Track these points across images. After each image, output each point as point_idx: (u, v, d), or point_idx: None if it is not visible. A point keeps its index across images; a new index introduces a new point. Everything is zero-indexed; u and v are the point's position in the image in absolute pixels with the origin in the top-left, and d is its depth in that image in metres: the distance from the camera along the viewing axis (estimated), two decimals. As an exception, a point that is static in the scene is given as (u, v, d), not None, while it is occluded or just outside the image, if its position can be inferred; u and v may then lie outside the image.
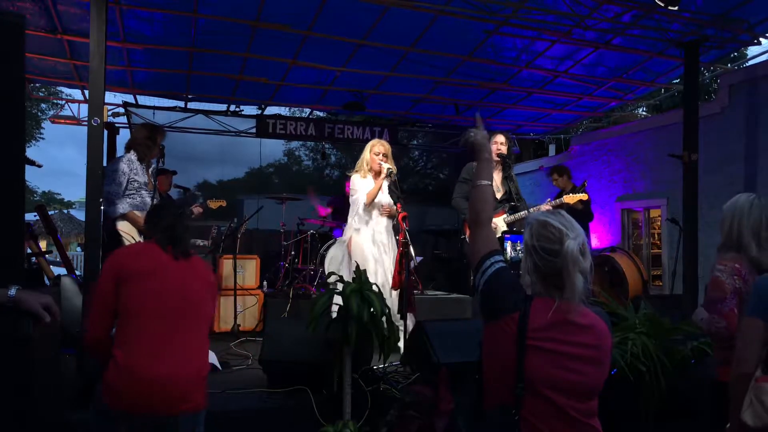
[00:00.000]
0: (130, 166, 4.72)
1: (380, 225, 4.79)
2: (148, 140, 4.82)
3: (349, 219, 4.89)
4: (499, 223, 4.94)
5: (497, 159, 5.04)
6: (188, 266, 2.46)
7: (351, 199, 4.87)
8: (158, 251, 2.43)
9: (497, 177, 5.14)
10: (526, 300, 1.74)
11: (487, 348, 1.78)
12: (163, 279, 2.38)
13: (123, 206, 4.59)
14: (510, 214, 4.97)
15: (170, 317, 2.37)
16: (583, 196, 5.22)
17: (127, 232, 4.54)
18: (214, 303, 2.61)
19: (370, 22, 6.39)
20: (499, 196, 5.12)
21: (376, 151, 4.75)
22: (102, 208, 4.49)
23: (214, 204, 5.71)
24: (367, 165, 4.79)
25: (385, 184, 4.68)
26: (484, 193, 1.94)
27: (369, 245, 4.72)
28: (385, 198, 4.77)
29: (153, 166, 4.98)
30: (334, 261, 4.81)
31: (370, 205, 4.74)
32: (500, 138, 5.12)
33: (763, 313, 1.95)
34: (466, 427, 1.95)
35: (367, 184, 4.76)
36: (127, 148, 4.87)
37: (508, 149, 5.16)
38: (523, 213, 4.90)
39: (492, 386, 1.75)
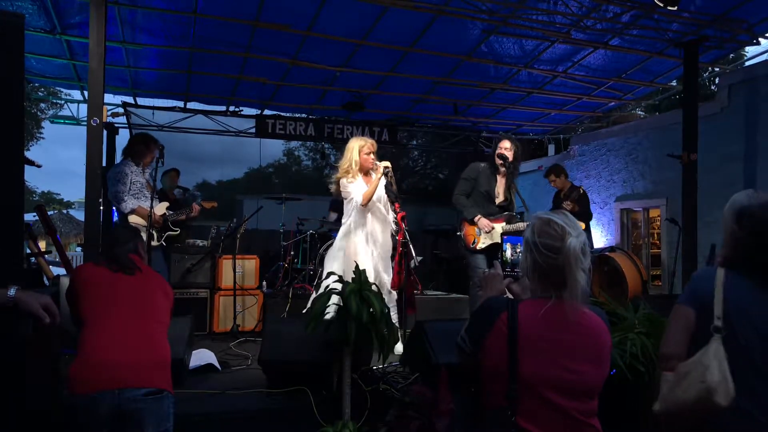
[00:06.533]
0: (130, 168, 5.03)
1: (376, 226, 4.70)
2: (142, 146, 5.13)
3: (344, 220, 4.80)
4: (497, 229, 4.91)
5: (500, 163, 5.00)
6: (139, 276, 2.71)
7: (345, 203, 4.76)
8: (107, 270, 2.67)
9: (500, 182, 5.09)
10: (512, 302, 1.75)
11: (483, 351, 1.77)
12: (114, 286, 2.60)
13: (132, 203, 4.95)
14: (507, 224, 4.88)
15: (125, 315, 2.53)
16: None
17: (139, 223, 4.84)
18: (169, 303, 2.78)
19: (370, 22, 6.40)
20: (498, 201, 5.08)
21: (367, 152, 4.58)
22: (102, 208, 4.68)
23: (207, 204, 5.74)
24: (356, 165, 4.60)
25: (382, 182, 4.55)
26: None
27: (363, 247, 4.63)
28: (380, 196, 4.66)
29: (149, 170, 5.19)
30: (329, 264, 4.74)
31: (366, 205, 4.62)
32: (506, 143, 5.01)
33: (690, 301, 2.02)
34: (464, 428, 1.95)
35: (359, 184, 4.62)
36: (124, 155, 5.21)
37: (515, 155, 5.01)
38: (521, 225, 4.78)
39: (489, 388, 1.75)
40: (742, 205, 2.03)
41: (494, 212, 5.01)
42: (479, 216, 4.93)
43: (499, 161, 4.97)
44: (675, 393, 1.91)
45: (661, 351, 2.06)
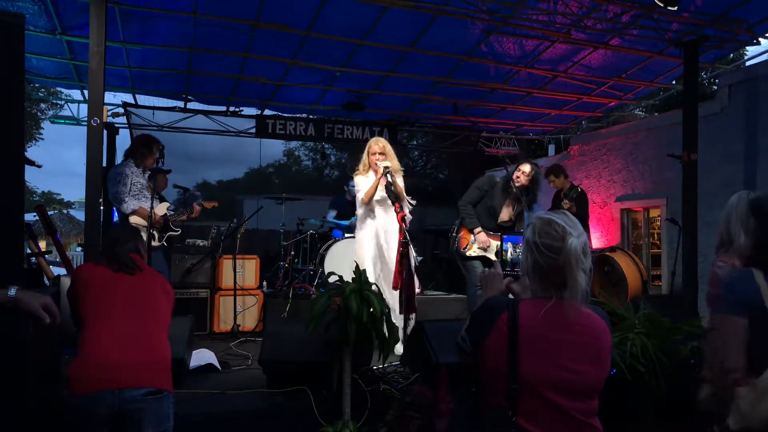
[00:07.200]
0: (131, 169, 5.04)
1: (382, 224, 4.76)
2: (144, 148, 5.14)
3: (357, 219, 4.94)
4: (492, 247, 4.91)
5: (514, 189, 4.99)
6: (140, 276, 2.70)
7: (356, 199, 4.90)
8: (108, 270, 2.67)
9: (508, 203, 5.09)
10: (512, 302, 1.75)
11: (483, 351, 1.78)
12: (115, 286, 2.60)
13: (133, 204, 4.95)
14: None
15: (125, 315, 2.53)
16: None
17: (140, 224, 4.81)
18: (170, 303, 2.78)
19: (370, 22, 6.39)
20: (499, 220, 5.09)
21: (373, 152, 4.71)
22: (102, 208, 4.68)
23: (208, 204, 5.74)
24: (365, 166, 4.79)
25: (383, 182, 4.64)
26: None
27: (369, 244, 4.71)
28: (384, 196, 4.73)
29: (149, 171, 5.18)
30: (335, 259, 4.82)
31: (368, 203, 4.73)
32: (525, 168, 5.03)
33: (740, 309, 1.95)
34: (464, 428, 1.95)
35: (368, 181, 4.76)
36: (126, 156, 5.22)
37: (533, 181, 5.01)
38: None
39: (489, 388, 1.75)
40: (752, 202, 2.02)
41: (491, 228, 5.03)
42: (480, 229, 4.96)
43: (511, 180, 5.02)
44: (760, 409, 1.83)
45: (724, 366, 1.98)
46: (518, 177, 5.02)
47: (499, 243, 4.82)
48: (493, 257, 4.90)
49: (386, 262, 4.67)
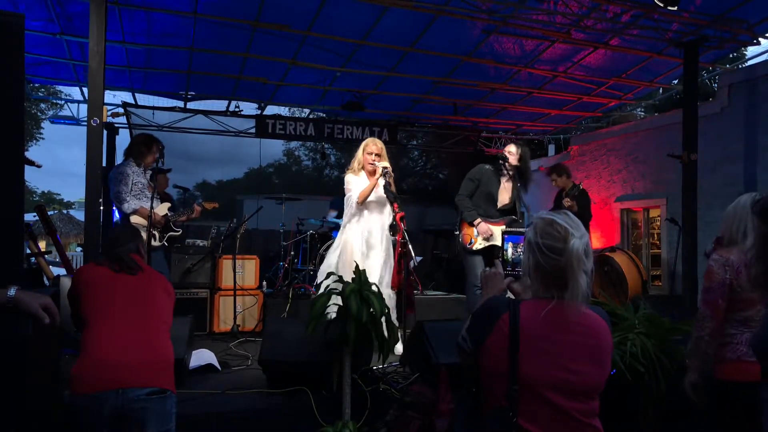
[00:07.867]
0: (132, 169, 5.00)
1: (373, 224, 4.72)
2: (144, 146, 5.10)
3: (344, 218, 4.87)
4: (496, 233, 4.90)
5: (501, 163, 5.00)
6: (141, 276, 2.70)
7: (345, 198, 4.83)
8: (109, 270, 2.67)
9: (504, 186, 5.09)
10: (513, 303, 1.75)
11: (484, 351, 1.77)
12: (116, 286, 2.60)
13: (134, 203, 4.91)
14: (507, 227, 4.86)
15: (127, 315, 2.53)
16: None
17: (141, 224, 4.79)
18: (171, 303, 2.78)
19: (370, 22, 6.40)
20: (499, 204, 5.08)
21: (369, 151, 4.65)
22: (102, 208, 4.65)
23: (208, 205, 5.72)
24: (359, 164, 4.72)
25: (381, 181, 4.60)
26: None
27: (359, 244, 4.66)
28: (379, 196, 4.70)
29: (150, 171, 5.18)
30: (330, 262, 4.76)
31: (362, 203, 4.68)
32: (510, 148, 5.05)
33: None
34: (464, 428, 1.95)
35: (361, 181, 4.70)
36: (126, 155, 5.18)
37: (522, 159, 5.01)
38: (520, 231, 4.79)
39: (490, 388, 1.75)
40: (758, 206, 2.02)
41: (494, 215, 5.02)
42: (479, 220, 4.95)
43: (500, 162, 5.02)
44: None
45: None
46: (503, 156, 5.06)
47: (503, 227, 4.80)
48: (499, 243, 4.87)
49: (368, 264, 4.62)
